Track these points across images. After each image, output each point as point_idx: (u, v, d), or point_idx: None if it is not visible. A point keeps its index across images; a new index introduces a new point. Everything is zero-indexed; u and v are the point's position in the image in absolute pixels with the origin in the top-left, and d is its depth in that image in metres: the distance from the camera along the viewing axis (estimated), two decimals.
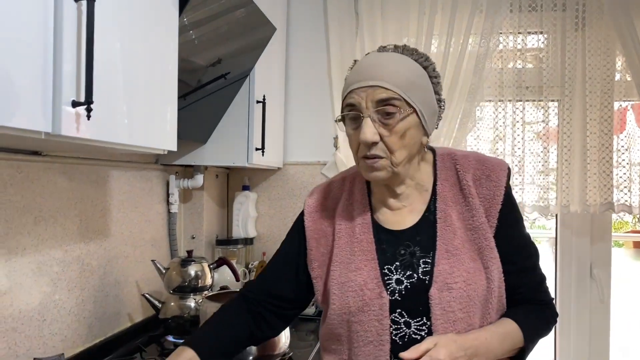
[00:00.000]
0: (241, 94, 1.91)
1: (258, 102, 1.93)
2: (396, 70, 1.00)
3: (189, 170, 2.05)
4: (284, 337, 1.40)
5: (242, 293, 1.21)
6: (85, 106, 0.87)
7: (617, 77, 2.03)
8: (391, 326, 1.03)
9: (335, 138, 2.28)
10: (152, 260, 1.70)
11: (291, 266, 1.18)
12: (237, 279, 1.75)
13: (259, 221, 2.37)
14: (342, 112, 1.05)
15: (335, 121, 1.10)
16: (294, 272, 1.18)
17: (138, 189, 1.80)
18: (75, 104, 0.87)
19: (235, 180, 2.40)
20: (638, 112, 2.21)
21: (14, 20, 0.76)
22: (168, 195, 1.99)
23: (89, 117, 0.87)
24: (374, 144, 0.99)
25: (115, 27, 1.01)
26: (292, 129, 2.36)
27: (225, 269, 1.79)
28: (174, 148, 1.28)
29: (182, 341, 1.65)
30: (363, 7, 2.19)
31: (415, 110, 1.01)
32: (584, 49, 2.03)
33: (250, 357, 1.35)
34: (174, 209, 2.00)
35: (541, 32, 2.13)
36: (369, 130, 0.98)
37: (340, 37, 2.24)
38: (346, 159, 2.24)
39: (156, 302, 1.66)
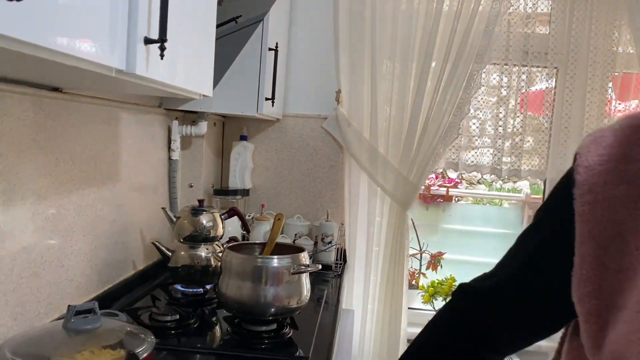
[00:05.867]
0: (252, 40, 1.84)
1: (270, 49, 1.86)
2: None
3: (190, 117, 1.98)
4: (305, 289, 1.41)
5: (461, 308, 0.78)
6: (159, 44, 0.81)
7: (620, 49, 2.08)
8: None
9: (338, 92, 2.24)
10: (163, 208, 1.65)
11: (545, 277, 0.69)
12: (248, 231, 1.73)
13: (255, 173, 2.33)
14: None
15: None
16: (550, 287, 0.68)
17: (143, 133, 1.72)
18: (147, 41, 0.81)
19: (231, 130, 2.34)
20: (623, 84, 2.29)
21: None
22: (170, 141, 1.92)
23: (162, 56, 0.82)
24: None
25: None
26: (294, 80, 2.31)
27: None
28: (210, 93, 1.23)
29: (192, 290, 1.64)
30: None
31: None
32: (591, 17, 2.06)
33: (272, 309, 1.35)
34: (175, 156, 1.93)
35: None
36: None
37: None
38: (348, 114, 2.22)
39: (166, 250, 1.62)
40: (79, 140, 1.33)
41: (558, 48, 2.11)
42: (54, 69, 0.76)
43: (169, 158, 1.94)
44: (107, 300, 1.48)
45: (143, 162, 1.73)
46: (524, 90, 2.15)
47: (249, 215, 2.17)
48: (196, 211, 1.63)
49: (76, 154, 1.32)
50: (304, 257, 1.40)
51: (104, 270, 1.50)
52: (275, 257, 1.35)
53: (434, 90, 2.11)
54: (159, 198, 1.87)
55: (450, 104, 2.12)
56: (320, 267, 1.38)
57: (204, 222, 1.62)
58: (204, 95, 1.20)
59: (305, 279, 1.42)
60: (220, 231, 1.66)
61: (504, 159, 2.22)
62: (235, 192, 2.15)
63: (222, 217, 1.68)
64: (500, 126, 2.21)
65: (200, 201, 1.67)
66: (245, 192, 2.21)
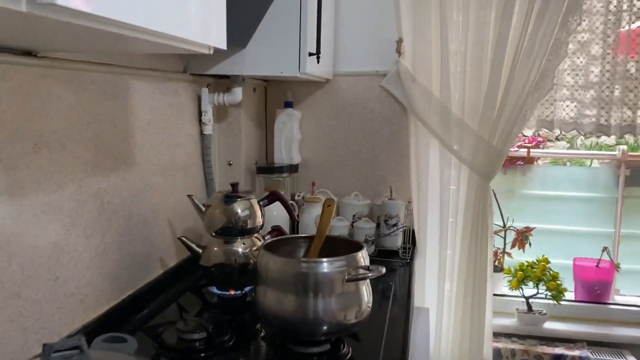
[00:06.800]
0: None
1: None
2: None
3: (223, 83, 1.66)
4: (365, 298, 1.08)
5: None
6: None
7: None
8: None
9: (399, 41, 1.85)
10: (189, 196, 1.36)
11: None
12: (294, 220, 1.41)
13: (304, 145, 2.00)
14: None
15: None
16: None
17: (165, 105, 1.42)
18: None
19: (274, 96, 2.01)
20: None
21: None
22: (200, 113, 1.62)
23: None
24: None
25: None
26: (344, 30, 1.93)
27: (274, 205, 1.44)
28: (223, 45, 0.89)
29: (228, 293, 1.36)
30: None
31: None
32: None
33: (323, 327, 1.04)
34: (208, 129, 1.63)
35: None
36: None
37: None
38: (413, 67, 1.83)
39: (195, 247, 1.34)
40: (72, 119, 1.05)
41: None
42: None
43: (201, 133, 1.64)
44: (125, 314, 1.22)
45: (167, 140, 1.44)
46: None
47: (298, 195, 1.85)
48: (229, 198, 1.33)
49: (67, 136, 1.03)
50: (363, 257, 1.07)
51: (121, 275, 1.24)
52: (324, 260, 1.03)
53: (522, 29, 1.68)
54: (190, 180, 1.58)
55: (543, 47, 1.68)
56: (384, 270, 1.04)
57: (239, 211, 1.32)
58: (214, 49, 0.87)
59: (366, 285, 1.09)
60: (259, 221, 1.35)
61: (613, 114, 1.76)
62: (281, 169, 1.83)
63: (261, 203, 1.37)
64: (607, 71, 1.75)
65: (234, 185, 1.36)
66: (293, 168, 1.89)
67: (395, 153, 1.95)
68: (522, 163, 3.05)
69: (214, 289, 1.34)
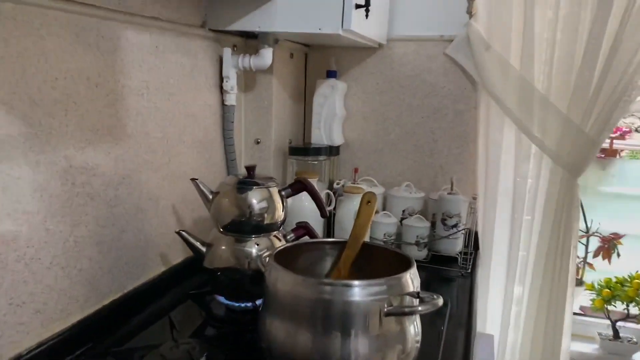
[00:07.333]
0: None
1: None
2: None
3: (252, 45, 1.37)
4: (412, 336, 0.77)
5: None
6: None
7: None
8: None
9: (471, 0, 1.49)
10: (193, 180, 1.07)
11: None
12: (324, 215, 1.10)
13: (348, 123, 1.68)
14: None
15: None
16: None
17: (173, 65, 1.14)
18: None
19: (316, 63, 1.70)
20: None
21: None
22: (221, 79, 1.33)
23: None
24: None
25: None
26: None
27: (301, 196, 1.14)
28: None
29: (237, 305, 1.09)
30: None
31: None
32: None
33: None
34: (230, 99, 1.35)
35: None
36: None
37: None
38: (487, 32, 1.47)
39: (198, 245, 1.06)
40: (35, 74, 0.78)
41: None
42: None
43: (222, 103, 1.36)
44: (100, 327, 0.96)
45: (175, 109, 1.16)
46: None
47: (337, 183, 1.55)
48: (243, 185, 1.04)
49: (16, 95, 0.77)
50: (411, 279, 0.76)
51: (98, 278, 0.97)
52: (355, 284, 0.72)
53: None
54: (206, 160, 1.31)
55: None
56: (441, 302, 0.72)
57: (254, 201, 1.03)
58: None
59: (414, 318, 0.78)
60: (279, 215, 1.06)
61: None
62: (318, 151, 1.53)
63: (284, 193, 1.07)
64: None
65: (250, 168, 1.07)
66: (333, 151, 1.58)
67: (459, 137, 1.60)
68: (602, 156, 2.63)
69: (222, 299, 1.07)
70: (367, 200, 0.89)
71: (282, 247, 0.86)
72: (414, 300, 0.74)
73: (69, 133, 0.87)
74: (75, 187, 0.89)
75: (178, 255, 1.22)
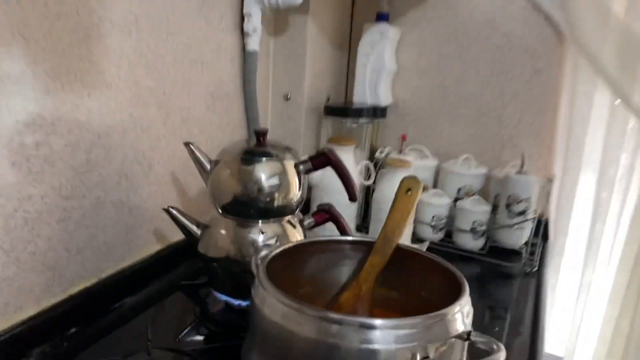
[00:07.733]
0: None
1: None
2: None
3: None
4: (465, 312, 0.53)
5: None
6: None
7: None
8: None
9: None
10: (187, 144, 0.85)
11: None
12: (353, 198, 0.85)
13: (399, 79, 1.41)
14: None
15: None
16: None
17: None
18: None
19: (365, 5, 1.42)
20: None
21: None
22: (242, 18, 1.09)
23: None
24: None
25: None
26: None
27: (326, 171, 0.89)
28: None
29: (237, 303, 0.88)
30: None
31: None
32: None
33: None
34: (253, 43, 1.10)
35: None
36: None
37: None
38: None
39: (191, 225, 0.84)
40: None
41: None
42: None
43: (243, 48, 1.11)
44: (57, 324, 0.77)
45: (177, 53, 0.93)
46: None
47: (380, 151, 1.28)
48: (249, 155, 0.80)
49: None
50: (462, 314, 0.51)
51: (60, 262, 0.78)
52: (378, 323, 0.47)
53: None
54: (220, 118, 1.08)
55: None
56: (503, 355, 0.48)
57: (262, 177, 0.79)
58: None
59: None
60: (295, 194, 0.82)
61: None
62: (359, 112, 1.26)
63: (302, 167, 0.83)
64: None
65: (260, 133, 0.83)
66: (378, 112, 1.31)
67: (535, 103, 1.29)
68: None
69: (220, 295, 0.86)
70: (407, 188, 0.64)
71: (281, 249, 0.62)
72: (462, 344, 0.50)
73: (15, 77, 0.65)
74: (26, 149, 0.69)
75: (175, 235, 1.02)
